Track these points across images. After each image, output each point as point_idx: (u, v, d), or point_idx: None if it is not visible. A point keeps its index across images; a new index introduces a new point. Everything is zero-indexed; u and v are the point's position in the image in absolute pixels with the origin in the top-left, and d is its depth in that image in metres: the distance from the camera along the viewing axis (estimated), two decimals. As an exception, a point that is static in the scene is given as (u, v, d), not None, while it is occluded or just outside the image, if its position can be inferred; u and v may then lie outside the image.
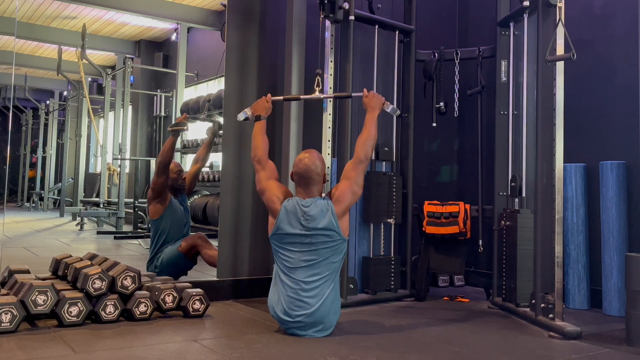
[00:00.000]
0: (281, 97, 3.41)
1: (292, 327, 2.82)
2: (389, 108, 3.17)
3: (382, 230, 3.97)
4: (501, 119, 3.88)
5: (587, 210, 3.90)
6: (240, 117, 3.24)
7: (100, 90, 12.32)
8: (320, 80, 3.27)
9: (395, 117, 4.06)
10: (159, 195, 4.14)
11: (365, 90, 3.19)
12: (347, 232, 2.93)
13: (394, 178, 3.94)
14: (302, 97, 3.50)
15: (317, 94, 3.27)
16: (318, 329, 2.81)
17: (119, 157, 9.21)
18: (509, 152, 3.81)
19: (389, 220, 3.89)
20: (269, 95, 3.24)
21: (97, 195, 10.31)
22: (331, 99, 3.59)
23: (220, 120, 5.60)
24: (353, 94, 3.40)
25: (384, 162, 4.00)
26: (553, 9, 3.20)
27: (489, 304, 3.83)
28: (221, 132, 4.67)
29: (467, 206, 3.99)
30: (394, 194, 3.92)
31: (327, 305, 2.82)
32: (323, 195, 3.04)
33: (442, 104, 4.11)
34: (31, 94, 13.13)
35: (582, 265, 3.84)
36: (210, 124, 4.75)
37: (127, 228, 8.54)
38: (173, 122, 10.42)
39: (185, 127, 4.18)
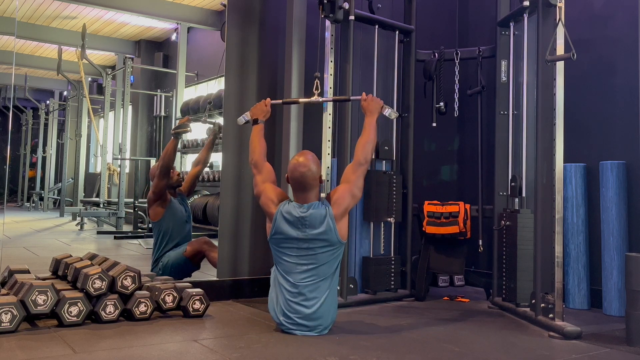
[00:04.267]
0: (280, 101, 3.41)
1: (290, 328, 2.83)
2: (387, 111, 3.13)
3: (383, 229, 3.97)
4: (501, 119, 3.88)
5: (587, 210, 3.90)
6: (241, 121, 3.26)
7: (100, 90, 12.32)
8: (319, 84, 3.25)
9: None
10: (160, 198, 4.14)
11: (364, 94, 3.16)
12: (346, 236, 2.92)
13: (394, 177, 3.94)
14: (300, 100, 3.50)
15: (316, 98, 3.27)
16: (316, 330, 2.82)
17: (119, 157, 9.21)
18: (509, 152, 3.81)
19: (389, 219, 3.89)
20: (268, 99, 3.24)
21: (97, 195, 10.31)
22: (330, 102, 3.58)
23: (220, 120, 5.59)
24: (352, 98, 3.38)
25: (384, 161, 4.00)
26: (553, 9, 3.20)
27: (489, 304, 3.83)
28: (221, 134, 4.63)
29: (467, 206, 3.99)
30: (394, 192, 3.92)
31: (324, 307, 2.83)
32: (322, 195, 3.04)
33: (442, 104, 4.11)
34: (31, 94, 13.14)
35: (582, 265, 3.85)
36: (210, 126, 4.74)
37: (127, 228, 8.54)
38: (173, 122, 10.44)
39: (188, 129, 4.17)
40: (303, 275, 2.83)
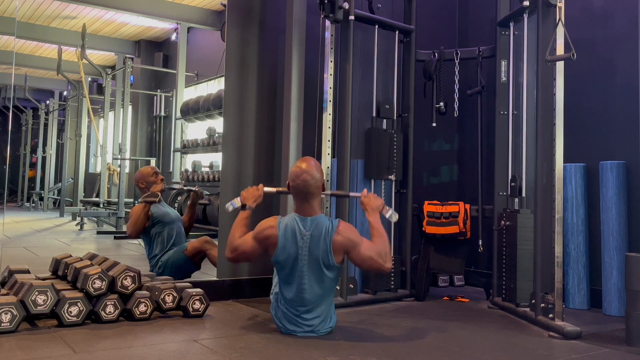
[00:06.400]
0: (274, 189, 3.13)
1: (289, 333, 2.83)
2: (388, 214, 2.96)
3: (383, 189, 3.97)
4: (501, 119, 3.88)
5: (587, 210, 3.90)
6: (229, 207, 2.99)
7: (100, 90, 12.32)
8: None
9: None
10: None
11: (365, 190, 3.02)
12: (341, 262, 2.83)
13: (395, 135, 3.95)
14: None
15: None
16: (316, 334, 2.82)
17: (119, 157, 9.21)
18: (509, 152, 3.81)
19: (389, 176, 3.89)
20: (260, 185, 3.04)
21: (97, 195, 10.31)
22: (329, 196, 3.44)
23: (219, 122, 5.54)
24: (351, 194, 3.21)
25: (384, 120, 3.99)
26: (553, 9, 3.20)
27: (489, 304, 3.83)
28: (201, 200, 4.46)
29: (467, 206, 3.99)
30: (395, 150, 3.93)
31: (324, 321, 2.83)
32: (324, 194, 2.99)
33: (442, 104, 4.11)
34: (31, 94, 13.14)
35: (582, 265, 3.85)
36: (190, 189, 4.53)
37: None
38: (173, 122, 10.44)
39: (158, 199, 4.04)
40: (302, 295, 2.79)
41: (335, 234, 2.77)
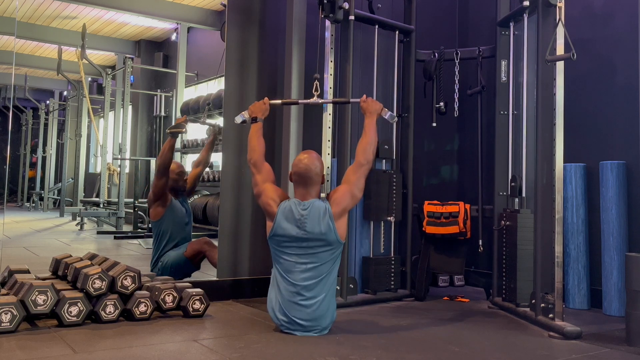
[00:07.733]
0: (279, 101, 3.41)
1: (289, 328, 2.84)
2: (387, 115, 3.17)
3: (382, 229, 3.97)
4: (501, 119, 3.88)
5: (587, 210, 3.90)
6: (238, 119, 3.23)
7: (100, 90, 12.31)
8: (318, 85, 3.27)
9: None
10: (160, 198, 4.14)
11: (364, 96, 3.19)
12: (344, 236, 2.94)
13: (394, 176, 3.94)
14: (300, 101, 3.52)
15: (315, 99, 3.28)
16: (315, 330, 2.83)
17: (119, 157, 9.21)
18: (509, 152, 3.81)
19: (389, 218, 3.89)
20: (266, 98, 3.24)
21: (97, 195, 10.31)
22: (329, 103, 3.59)
23: (220, 121, 5.61)
24: (351, 100, 3.41)
25: (384, 160, 3.99)
26: (553, 9, 3.20)
27: (489, 304, 3.83)
28: (220, 136, 4.73)
29: (467, 206, 3.99)
30: (394, 191, 3.92)
31: (322, 307, 2.84)
32: (322, 195, 3.05)
33: (442, 104, 4.11)
34: (31, 94, 13.13)
35: (582, 265, 3.84)
36: (209, 127, 4.83)
37: (127, 228, 8.54)
38: (173, 122, 10.44)
39: (184, 129, 4.20)
40: (302, 275, 2.84)
41: (331, 207, 2.89)
